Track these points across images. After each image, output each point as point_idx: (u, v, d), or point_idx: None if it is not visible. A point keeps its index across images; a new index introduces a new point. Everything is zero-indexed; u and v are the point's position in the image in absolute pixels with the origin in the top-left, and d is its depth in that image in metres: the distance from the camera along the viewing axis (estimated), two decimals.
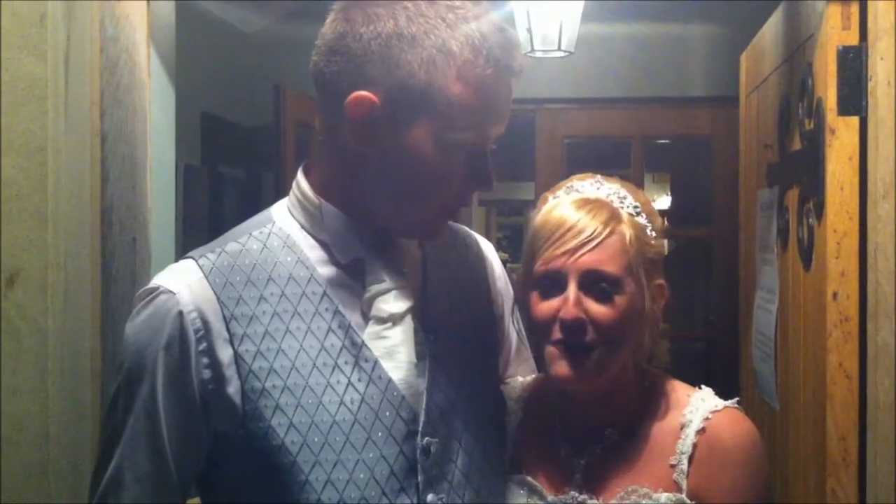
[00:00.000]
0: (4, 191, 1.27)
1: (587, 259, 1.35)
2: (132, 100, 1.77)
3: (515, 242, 11.27)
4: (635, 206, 1.43)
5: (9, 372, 1.28)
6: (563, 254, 1.36)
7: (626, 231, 1.38)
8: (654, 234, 1.43)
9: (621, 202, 1.42)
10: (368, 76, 1.17)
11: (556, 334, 1.36)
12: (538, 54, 3.61)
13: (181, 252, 2.62)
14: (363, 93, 1.17)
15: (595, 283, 1.35)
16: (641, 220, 1.42)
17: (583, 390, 1.42)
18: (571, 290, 1.35)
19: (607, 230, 1.37)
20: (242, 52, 4.41)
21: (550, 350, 1.37)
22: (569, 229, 1.37)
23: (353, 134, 1.19)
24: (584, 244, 1.36)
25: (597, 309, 1.35)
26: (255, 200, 4.46)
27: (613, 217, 1.39)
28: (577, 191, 1.45)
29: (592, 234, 1.36)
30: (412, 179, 1.20)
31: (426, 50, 1.15)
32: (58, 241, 1.32)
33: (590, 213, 1.39)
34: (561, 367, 1.36)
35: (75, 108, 1.40)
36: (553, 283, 1.37)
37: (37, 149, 1.28)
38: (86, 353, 1.49)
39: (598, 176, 1.47)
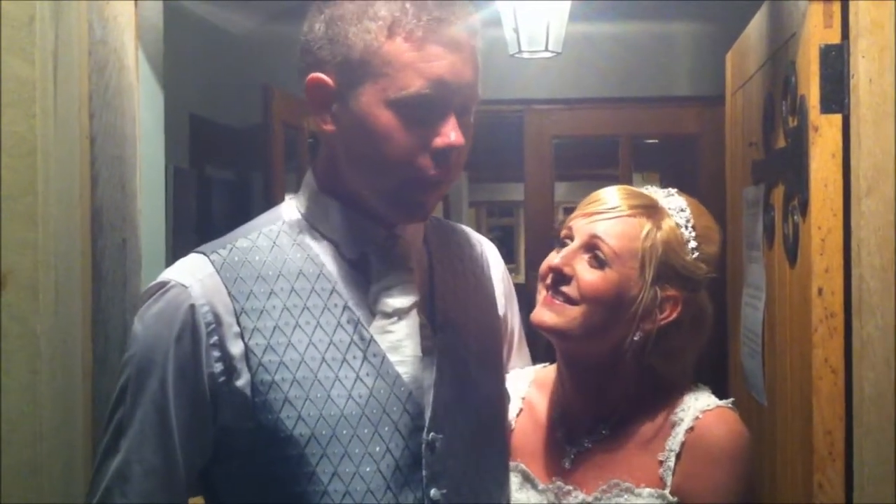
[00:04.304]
0: None
1: (597, 226, 1.41)
2: (121, 102, 1.77)
3: (506, 243, 11.26)
4: (688, 221, 1.43)
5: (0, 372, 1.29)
6: (582, 216, 1.43)
7: (652, 225, 1.41)
8: (695, 253, 1.43)
9: (677, 213, 1.43)
10: (321, 60, 1.22)
11: (546, 282, 1.43)
12: (525, 55, 3.62)
13: (171, 253, 2.62)
14: (316, 74, 1.22)
15: (594, 250, 1.40)
16: (685, 232, 1.43)
17: (568, 352, 1.47)
18: (571, 246, 1.42)
19: (630, 212, 1.41)
20: (230, 54, 4.42)
21: (539, 299, 1.44)
22: (597, 200, 1.44)
23: (319, 119, 1.23)
24: (600, 213, 1.41)
25: (583, 270, 1.40)
26: (244, 201, 4.47)
27: (648, 208, 1.42)
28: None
29: (613, 208, 1.41)
30: (373, 150, 1.20)
31: (362, 23, 1.18)
32: (48, 243, 1.32)
33: (625, 195, 1.44)
34: (537, 312, 1.43)
35: (64, 110, 1.41)
36: (565, 242, 1.44)
37: (27, 151, 1.28)
38: (76, 353, 1.49)
39: (676, 191, 1.49)
